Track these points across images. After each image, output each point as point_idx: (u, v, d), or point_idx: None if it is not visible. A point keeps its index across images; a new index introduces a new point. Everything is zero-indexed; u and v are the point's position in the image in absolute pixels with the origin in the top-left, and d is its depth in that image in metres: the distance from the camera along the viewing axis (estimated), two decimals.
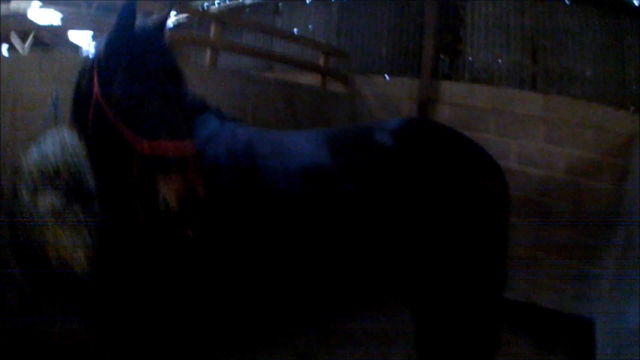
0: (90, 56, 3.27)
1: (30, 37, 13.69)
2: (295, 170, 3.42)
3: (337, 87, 9.94)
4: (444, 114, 9.02)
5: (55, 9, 17.18)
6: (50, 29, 9.26)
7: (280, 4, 14.41)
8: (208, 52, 8.29)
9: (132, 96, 2.95)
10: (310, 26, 13.13)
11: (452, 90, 9.15)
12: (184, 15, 18.30)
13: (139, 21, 3.18)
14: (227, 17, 9.26)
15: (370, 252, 3.28)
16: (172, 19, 18.98)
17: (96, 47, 3.27)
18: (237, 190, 3.46)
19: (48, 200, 4.33)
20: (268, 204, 3.42)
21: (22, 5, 14.40)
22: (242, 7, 15.39)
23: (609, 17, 8.60)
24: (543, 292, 7.33)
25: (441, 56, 10.12)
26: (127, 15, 3.05)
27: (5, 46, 15.45)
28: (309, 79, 9.77)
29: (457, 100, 8.99)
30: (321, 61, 9.95)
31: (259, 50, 9.94)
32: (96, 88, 3.13)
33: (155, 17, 3.37)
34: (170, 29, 10.31)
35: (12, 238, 4.51)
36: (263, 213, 3.41)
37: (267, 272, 3.44)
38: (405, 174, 3.23)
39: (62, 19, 13.67)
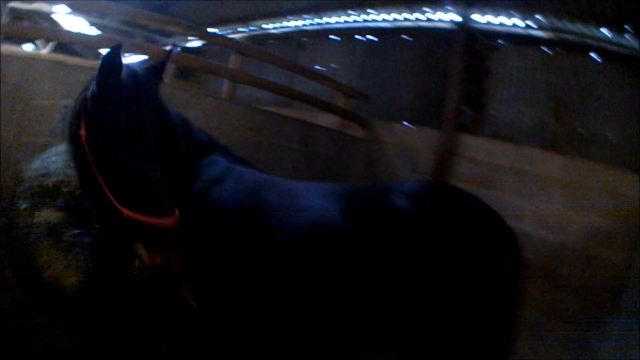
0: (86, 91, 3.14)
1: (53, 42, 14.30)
2: (303, 226, 3.41)
3: (356, 131, 10.11)
4: (462, 169, 9.17)
5: (83, 18, 18.10)
6: (82, 38, 9.06)
7: (305, 38, 14.74)
8: (226, 83, 8.48)
9: (112, 157, 2.88)
10: (333, 65, 13.52)
11: (471, 145, 9.29)
12: (202, 42, 18.61)
13: (130, 68, 3.12)
14: (248, 49, 9.36)
15: (372, 313, 3.28)
16: (193, 44, 19.80)
17: (89, 85, 3.11)
18: (238, 238, 3.46)
19: (45, 216, 4.47)
20: (270, 257, 3.40)
21: (45, 6, 15.15)
22: (266, 37, 15.86)
23: (635, 76, 8.73)
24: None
25: (463, 108, 10.24)
26: (112, 61, 2.93)
27: (29, 45, 16.20)
28: (328, 120, 9.95)
29: (476, 156, 9.12)
30: (341, 102, 10.16)
31: (278, 87, 9.88)
32: (82, 131, 3.03)
33: (150, 63, 3.35)
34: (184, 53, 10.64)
35: (9, 245, 4.69)
36: (263, 266, 3.40)
37: (264, 322, 3.49)
38: (417, 240, 3.20)
39: (99, 35, 14.22)
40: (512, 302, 3.37)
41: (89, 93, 3.02)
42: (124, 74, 2.97)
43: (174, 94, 6.62)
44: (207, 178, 3.70)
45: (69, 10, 14.58)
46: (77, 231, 4.40)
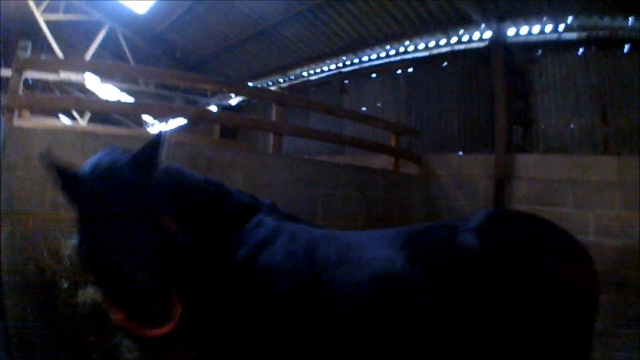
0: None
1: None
2: (366, 281, 3.23)
3: (410, 168, 10.42)
4: (520, 189, 9.55)
5: (115, 85, 18.73)
6: (122, 107, 9.58)
7: (346, 81, 15.21)
8: (271, 137, 8.62)
9: (98, 264, 2.82)
10: (378, 103, 13.97)
11: (527, 164, 9.67)
12: (243, 98, 19.23)
13: (114, 157, 3.01)
14: (288, 98, 9.54)
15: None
16: (235, 101, 20.57)
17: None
18: (296, 305, 3.33)
19: (89, 295, 4.67)
20: (332, 321, 3.24)
21: (72, 75, 15.74)
22: (308, 84, 16.47)
23: None
24: None
25: (514, 127, 10.71)
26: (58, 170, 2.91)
27: (62, 116, 17.31)
28: (381, 161, 10.30)
29: (532, 174, 9.51)
30: (392, 141, 10.38)
31: (324, 134, 10.16)
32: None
33: (138, 152, 3.05)
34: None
35: (54, 327, 4.82)
36: (326, 332, 3.25)
37: None
38: (492, 279, 3.05)
39: (135, 101, 14.50)
40: (593, 322, 3.27)
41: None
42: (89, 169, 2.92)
43: (218, 155, 7.05)
44: (254, 242, 3.62)
45: (96, 78, 15.60)
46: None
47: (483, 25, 11.48)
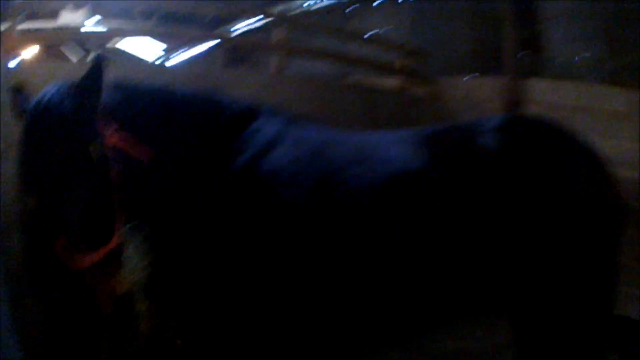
0: None
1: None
2: (382, 182, 3.13)
3: (418, 90, 10.19)
4: (530, 113, 9.02)
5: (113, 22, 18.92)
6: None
7: (347, 9, 15.07)
8: (273, 58, 8.60)
9: (28, 184, 2.80)
10: (385, 29, 13.77)
11: (536, 89, 9.47)
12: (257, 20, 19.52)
13: (34, 102, 2.90)
14: (290, 19, 9.68)
15: (469, 267, 3.05)
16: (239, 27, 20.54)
17: None
18: (307, 208, 3.20)
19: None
20: (347, 222, 3.14)
21: (75, 18, 16.08)
22: (308, 13, 16.14)
23: None
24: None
25: (523, 52, 10.47)
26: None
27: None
28: (389, 85, 10.04)
29: (542, 99, 9.29)
30: (399, 63, 10.15)
31: (331, 53, 9.84)
32: None
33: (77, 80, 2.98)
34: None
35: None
36: (341, 233, 3.14)
37: (348, 293, 3.21)
38: (512, 181, 3.02)
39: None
40: (616, 242, 3.20)
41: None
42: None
43: (220, 76, 6.99)
44: (255, 147, 3.42)
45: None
46: (131, 224, 4.33)
47: None
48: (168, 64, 12.68)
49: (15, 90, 3.00)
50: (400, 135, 3.45)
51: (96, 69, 2.91)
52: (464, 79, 10.66)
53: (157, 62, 12.17)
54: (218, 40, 13.01)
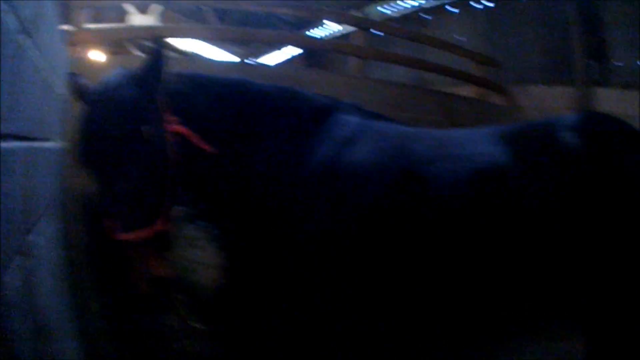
0: None
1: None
2: (467, 177, 3.06)
3: (494, 99, 10.39)
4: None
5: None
6: (219, 33, 9.59)
7: (424, 15, 15.51)
8: (352, 61, 8.64)
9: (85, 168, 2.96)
10: (459, 37, 14.18)
11: (604, 98, 9.74)
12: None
13: (96, 85, 3.07)
14: (370, 22, 9.72)
15: (549, 270, 2.95)
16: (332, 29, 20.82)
17: None
18: (387, 206, 3.17)
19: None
20: (431, 218, 3.08)
21: (145, 19, 16.01)
22: (386, 20, 16.47)
23: None
24: None
25: (589, 61, 10.70)
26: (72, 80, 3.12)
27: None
28: (465, 93, 10.14)
29: (610, 108, 9.25)
30: (476, 72, 10.38)
31: (409, 59, 9.96)
32: None
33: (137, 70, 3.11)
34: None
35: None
36: (422, 235, 3.09)
37: (427, 295, 3.17)
38: (597, 179, 2.94)
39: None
40: None
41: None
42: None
43: (301, 75, 7.04)
44: (334, 141, 3.40)
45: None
46: (202, 223, 4.49)
47: None
48: (244, 65, 13.07)
49: (75, 75, 3.17)
50: (481, 133, 3.40)
51: (156, 55, 3.07)
52: (537, 87, 10.84)
53: (233, 63, 12.35)
54: (296, 44, 13.22)
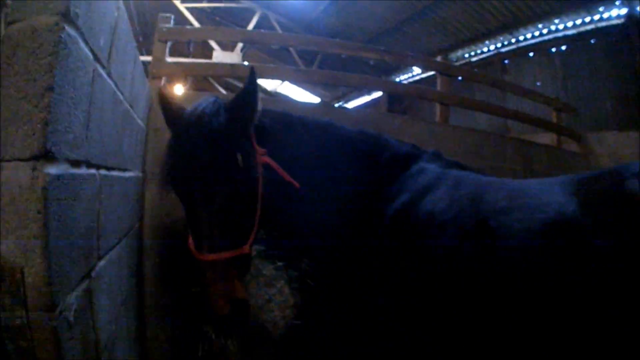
0: None
1: None
2: (538, 228, 2.99)
3: (571, 146, 10.62)
4: None
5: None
6: (312, 76, 9.11)
7: (506, 61, 15.72)
8: (438, 108, 8.56)
9: (183, 203, 3.09)
10: (538, 83, 14.49)
11: None
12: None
13: (189, 110, 3.17)
14: (452, 68, 9.51)
15: (617, 326, 2.71)
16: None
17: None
18: (461, 254, 3.16)
19: None
20: (501, 272, 3.02)
21: (230, 56, 16.80)
22: (470, 66, 16.79)
23: None
24: None
25: None
26: (163, 100, 3.19)
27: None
28: (543, 140, 10.13)
29: None
30: (554, 118, 10.74)
31: (490, 106, 9.87)
32: None
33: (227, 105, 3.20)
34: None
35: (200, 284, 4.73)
36: (495, 282, 3.04)
37: (501, 335, 3.07)
38: None
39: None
40: None
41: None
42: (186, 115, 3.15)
43: (384, 122, 7.06)
44: (414, 189, 3.52)
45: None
46: (281, 264, 4.63)
47: (619, 1, 11.77)
48: (327, 107, 13.10)
49: (166, 100, 3.24)
50: (552, 182, 3.32)
51: (251, 83, 3.18)
52: (611, 133, 10.62)
53: (319, 105, 12.53)
54: (382, 89, 13.30)
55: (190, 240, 2.99)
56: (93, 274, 2.57)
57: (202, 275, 2.86)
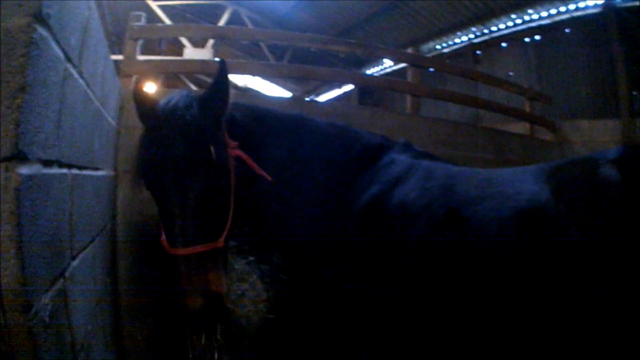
0: None
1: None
2: (510, 216, 3.03)
3: (545, 134, 10.82)
4: None
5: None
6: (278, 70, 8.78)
7: (478, 51, 15.81)
8: (409, 99, 8.59)
9: (154, 195, 3.07)
10: (510, 73, 14.56)
11: None
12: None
13: (162, 104, 3.17)
14: (422, 60, 9.66)
15: (590, 306, 2.78)
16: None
17: None
18: (433, 244, 3.19)
19: None
20: (473, 261, 3.06)
21: (198, 54, 16.78)
22: (441, 57, 16.85)
23: None
24: None
25: (634, 93, 10.93)
26: (138, 96, 3.12)
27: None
28: (516, 129, 10.30)
29: None
30: (527, 107, 10.71)
31: (462, 96, 9.97)
32: None
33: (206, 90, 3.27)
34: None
35: (174, 280, 4.82)
36: (467, 273, 3.07)
37: (472, 325, 3.11)
38: (638, 213, 2.75)
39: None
40: None
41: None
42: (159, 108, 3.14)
43: (355, 114, 7.10)
44: (385, 180, 3.55)
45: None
46: (252, 259, 4.65)
47: None
48: (297, 100, 13.28)
49: (139, 95, 3.16)
50: (525, 171, 3.37)
51: (222, 77, 3.23)
52: (585, 122, 10.80)
53: (290, 100, 12.64)
54: (352, 82, 13.38)
55: (163, 237, 2.97)
56: (67, 273, 2.54)
57: (176, 271, 2.85)
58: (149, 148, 3.02)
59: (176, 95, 3.21)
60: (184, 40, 17.05)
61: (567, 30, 13.54)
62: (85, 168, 3.15)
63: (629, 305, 2.71)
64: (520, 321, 2.97)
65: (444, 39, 16.84)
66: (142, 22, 7.02)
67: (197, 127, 3.04)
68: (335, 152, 3.77)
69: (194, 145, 2.98)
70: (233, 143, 3.30)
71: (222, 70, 3.24)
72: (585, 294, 2.78)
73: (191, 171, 2.95)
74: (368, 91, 20.35)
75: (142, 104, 3.14)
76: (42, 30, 1.96)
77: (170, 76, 17.74)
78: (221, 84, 3.22)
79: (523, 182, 3.22)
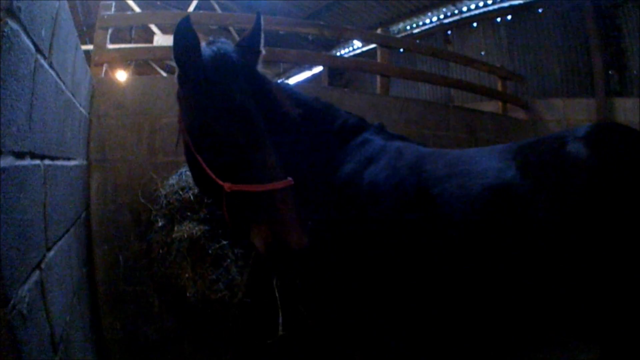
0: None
1: None
2: (477, 193, 3.11)
3: (518, 113, 10.51)
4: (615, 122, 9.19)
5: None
6: None
7: (448, 32, 15.70)
8: (379, 80, 8.58)
9: (203, 136, 2.97)
10: (482, 52, 14.51)
11: (625, 108, 9.89)
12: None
13: (214, 45, 3.19)
14: (392, 40, 9.43)
15: (560, 288, 2.88)
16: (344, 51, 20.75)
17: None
18: (403, 221, 3.29)
19: (185, 231, 4.69)
20: (442, 237, 3.16)
21: (168, 40, 16.68)
22: (411, 38, 16.59)
23: None
24: None
25: (610, 72, 10.96)
26: (184, 35, 2.99)
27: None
28: (489, 108, 10.19)
29: (631, 118, 9.53)
30: (499, 86, 10.71)
31: (433, 76, 10.29)
32: (179, 119, 3.22)
33: (241, 39, 3.40)
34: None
35: (149, 268, 4.77)
36: (436, 249, 3.17)
37: (436, 307, 3.26)
38: (604, 189, 2.82)
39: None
40: None
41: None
42: (209, 52, 3.10)
43: (326, 95, 6.78)
44: (358, 159, 3.63)
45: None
46: (226, 243, 4.64)
47: None
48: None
49: (192, 33, 3.01)
50: (493, 149, 3.44)
51: (258, 28, 3.41)
52: (559, 100, 10.80)
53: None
54: (322, 64, 13.34)
55: (224, 207, 2.91)
56: (43, 265, 2.54)
57: (265, 210, 2.75)
58: (217, 93, 2.96)
59: (215, 43, 3.24)
60: (153, 28, 16.89)
61: (539, 10, 13.45)
62: (58, 158, 3.19)
63: (592, 279, 2.81)
64: (486, 293, 3.08)
65: (414, 19, 16.58)
66: (112, 11, 7.08)
67: (251, 70, 3.22)
68: (321, 123, 3.85)
69: (255, 85, 3.12)
70: None
71: (258, 23, 3.42)
72: (551, 267, 2.88)
73: (256, 109, 3.00)
74: (338, 73, 20.22)
75: (191, 44, 3.03)
76: (12, 24, 1.96)
77: (140, 63, 17.60)
78: (257, 35, 3.40)
79: (491, 159, 3.29)
